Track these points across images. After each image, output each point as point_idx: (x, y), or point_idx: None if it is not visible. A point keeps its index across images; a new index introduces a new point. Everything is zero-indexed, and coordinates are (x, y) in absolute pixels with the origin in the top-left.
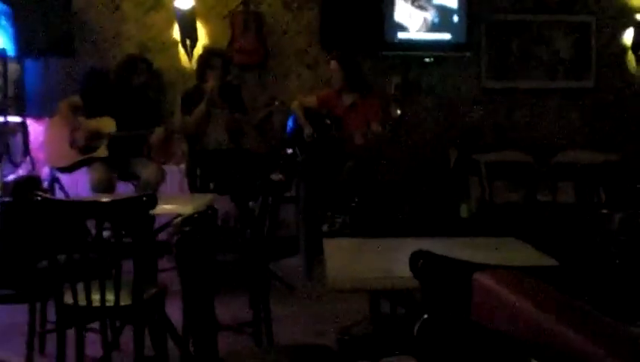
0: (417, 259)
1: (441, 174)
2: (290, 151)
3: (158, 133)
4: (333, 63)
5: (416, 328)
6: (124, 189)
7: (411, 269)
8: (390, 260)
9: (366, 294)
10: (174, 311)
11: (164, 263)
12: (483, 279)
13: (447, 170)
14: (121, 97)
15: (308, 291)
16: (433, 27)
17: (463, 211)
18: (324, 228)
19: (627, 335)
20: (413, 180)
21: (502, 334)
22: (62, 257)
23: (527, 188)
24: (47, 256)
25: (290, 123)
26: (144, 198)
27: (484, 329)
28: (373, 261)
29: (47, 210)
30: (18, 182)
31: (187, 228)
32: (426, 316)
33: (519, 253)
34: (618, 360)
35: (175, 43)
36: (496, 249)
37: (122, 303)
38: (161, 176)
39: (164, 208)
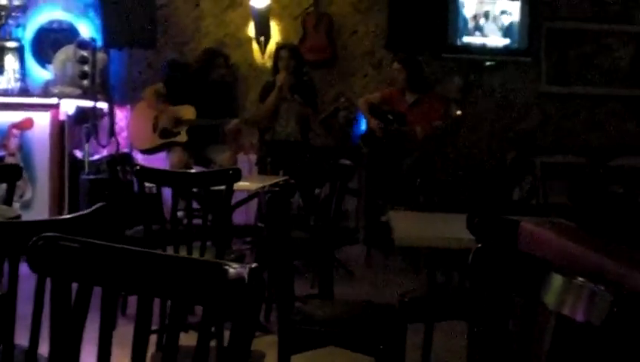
0: (473, 218)
1: (498, 172)
2: (357, 143)
3: (233, 123)
4: (397, 65)
5: (470, 257)
6: None
7: (468, 227)
8: (448, 226)
9: (423, 278)
10: None
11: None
12: (527, 225)
13: (503, 169)
14: (201, 88)
15: (367, 277)
16: (495, 32)
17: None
18: (384, 218)
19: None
20: (471, 177)
21: (538, 258)
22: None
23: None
24: (140, 223)
25: (363, 123)
26: (230, 171)
27: (526, 255)
28: (433, 227)
29: (147, 178)
30: (114, 157)
31: (276, 189)
32: (479, 245)
33: None
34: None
35: (250, 40)
36: None
37: None
38: (234, 162)
39: (241, 184)
